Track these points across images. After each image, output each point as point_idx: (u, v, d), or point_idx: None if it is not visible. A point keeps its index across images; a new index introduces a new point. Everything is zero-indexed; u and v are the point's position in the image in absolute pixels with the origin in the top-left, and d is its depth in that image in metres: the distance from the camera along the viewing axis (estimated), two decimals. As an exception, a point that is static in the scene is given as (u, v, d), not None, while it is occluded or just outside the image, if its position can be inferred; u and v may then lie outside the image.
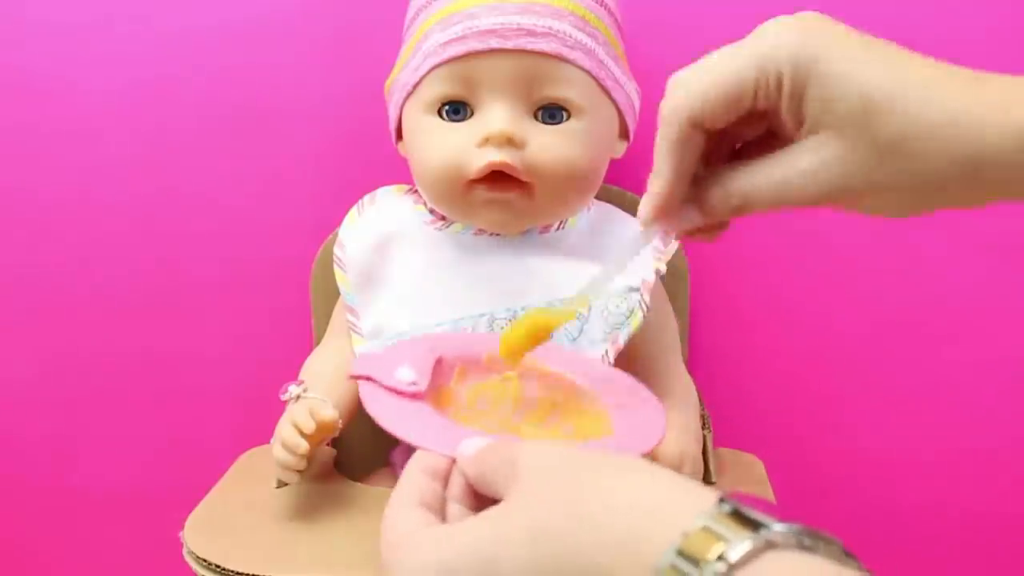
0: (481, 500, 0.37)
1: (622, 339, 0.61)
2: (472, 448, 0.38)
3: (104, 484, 0.87)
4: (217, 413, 0.85)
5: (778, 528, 0.28)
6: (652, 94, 0.69)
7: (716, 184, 0.41)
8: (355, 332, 0.65)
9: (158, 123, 0.80)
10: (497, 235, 0.64)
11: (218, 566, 0.53)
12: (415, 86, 0.62)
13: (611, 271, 0.48)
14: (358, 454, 0.71)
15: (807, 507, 0.82)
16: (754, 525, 0.28)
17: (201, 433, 0.85)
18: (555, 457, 0.34)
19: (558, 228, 0.65)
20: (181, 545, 0.56)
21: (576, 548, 0.29)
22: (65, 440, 0.86)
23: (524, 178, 0.59)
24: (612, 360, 0.61)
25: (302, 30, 0.79)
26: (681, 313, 0.73)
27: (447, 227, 0.65)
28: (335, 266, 0.66)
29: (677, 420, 0.63)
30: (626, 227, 0.68)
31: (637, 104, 0.67)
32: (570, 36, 0.60)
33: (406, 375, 0.47)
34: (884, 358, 0.81)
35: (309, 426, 0.56)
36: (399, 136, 0.67)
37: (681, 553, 0.27)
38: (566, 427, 0.49)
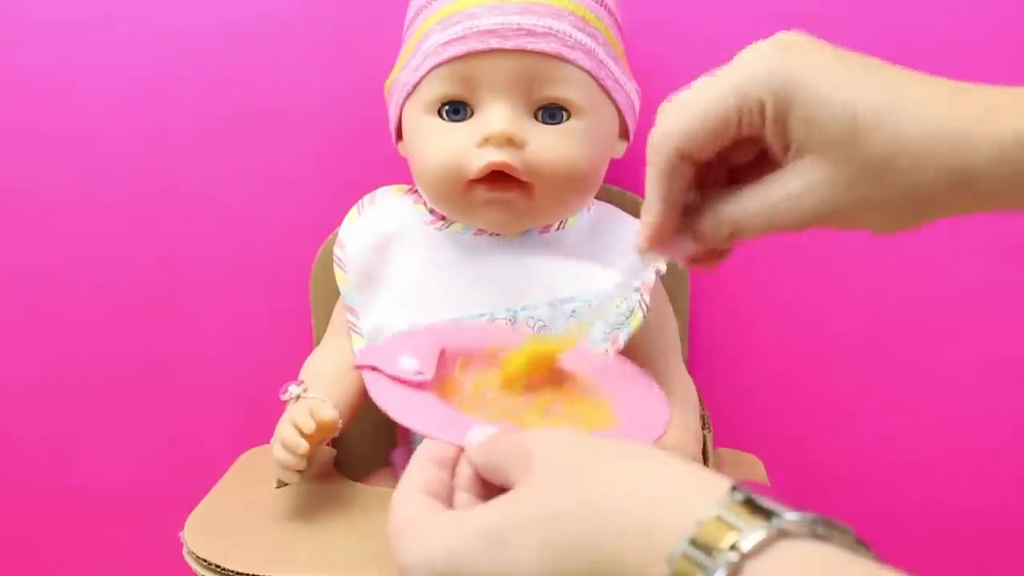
0: (489, 489, 0.37)
1: (622, 339, 0.61)
2: (480, 437, 0.38)
3: (104, 484, 0.87)
4: (217, 413, 0.85)
5: (791, 517, 0.28)
6: (652, 94, 0.69)
7: (708, 211, 0.41)
8: (355, 332, 0.65)
9: (158, 123, 0.80)
10: (497, 235, 0.64)
11: (218, 566, 0.53)
12: (415, 86, 0.62)
13: (611, 297, 0.49)
14: (358, 454, 0.71)
15: (807, 507, 0.82)
16: (767, 514, 0.28)
17: (201, 433, 0.85)
18: (567, 444, 0.34)
19: (558, 228, 0.65)
20: (181, 545, 0.56)
21: (588, 534, 0.30)
22: (65, 440, 0.86)
23: (524, 178, 0.59)
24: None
25: (302, 30, 0.79)
26: (681, 313, 0.73)
27: (447, 227, 0.65)
28: (335, 266, 0.66)
29: (677, 420, 0.62)
30: (626, 227, 0.68)
31: (637, 104, 0.67)
32: (570, 36, 0.60)
33: (410, 364, 0.47)
34: (884, 358, 0.81)
35: (309, 426, 0.56)
36: (399, 136, 0.67)
37: (694, 542, 0.27)
38: (569, 417, 0.49)
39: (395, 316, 0.63)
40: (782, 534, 0.27)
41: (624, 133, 0.67)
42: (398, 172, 0.69)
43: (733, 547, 0.27)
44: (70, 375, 0.85)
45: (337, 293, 0.67)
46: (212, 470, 0.67)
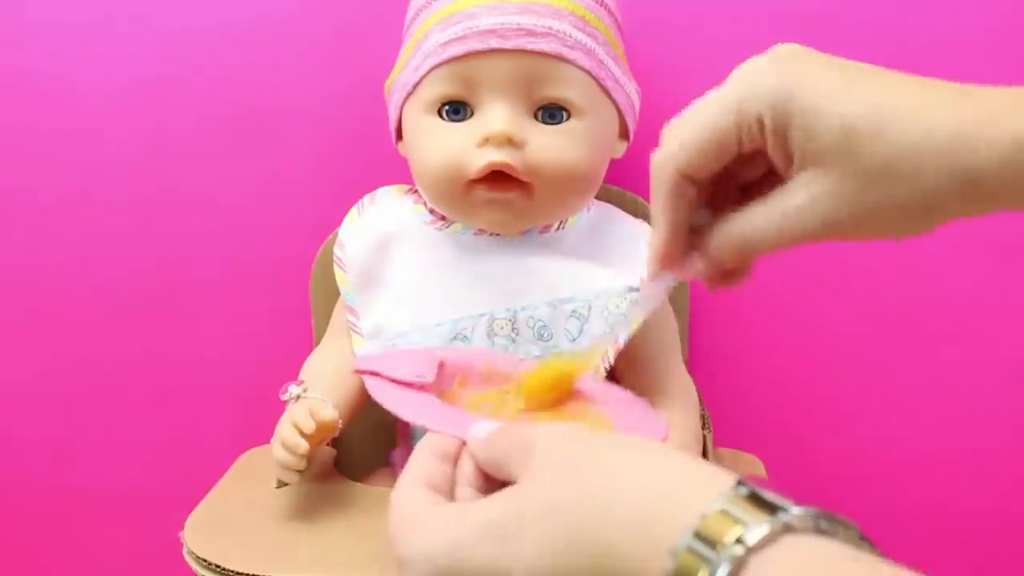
0: (491, 483, 0.37)
1: (622, 339, 0.61)
2: (483, 431, 0.38)
3: (104, 484, 0.87)
4: (217, 413, 0.85)
5: (796, 511, 0.28)
6: (652, 94, 0.69)
7: (716, 229, 0.41)
8: (355, 332, 0.65)
9: (158, 123, 0.80)
10: (497, 235, 0.64)
11: (218, 566, 0.53)
12: (415, 86, 0.62)
13: (629, 320, 0.48)
14: (358, 454, 0.71)
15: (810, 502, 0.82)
16: (771, 508, 0.28)
17: (201, 433, 0.85)
18: (568, 437, 0.34)
19: (558, 228, 0.65)
20: (181, 545, 0.56)
21: (589, 527, 0.30)
22: (65, 440, 0.86)
23: (524, 178, 0.59)
24: (612, 360, 0.60)
25: (302, 30, 0.79)
26: (681, 313, 0.73)
27: (447, 227, 0.65)
28: (335, 266, 0.66)
29: (677, 420, 0.63)
30: (626, 227, 0.68)
31: (637, 104, 0.67)
32: (570, 36, 0.60)
33: (410, 369, 0.47)
34: (884, 358, 0.81)
35: (309, 426, 0.56)
36: (399, 136, 0.67)
37: (698, 535, 0.27)
38: None
39: (395, 316, 0.63)
40: (787, 528, 0.27)
41: (624, 133, 0.67)
42: (398, 172, 0.69)
43: (738, 541, 0.27)
44: (70, 375, 0.85)
45: (337, 293, 0.67)
46: (212, 470, 0.67)
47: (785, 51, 0.38)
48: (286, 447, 0.56)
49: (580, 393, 0.52)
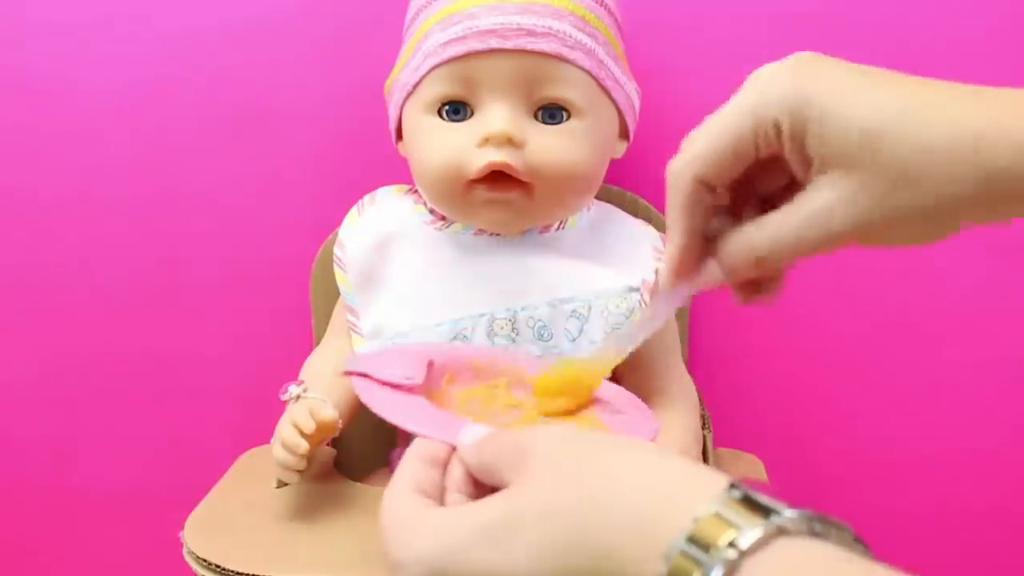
0: (480, 489, 0.37)
1: (628, 351, 0.61)
2: (473, 436, 0.38)
3: (104, 484, 0.87)
4: (217, 413, 0.85)
5: (789, 514, 0.28)
6: (652, 94, 0.69)
7: (731, 237, 0.40)
8: (355, 332, 0.65)
9: (158, 123, 0.80)
10: (497, 235, 0.64)
11: (218, 566, 0.53)
12: (415, 86, 0.62)
13: (636, 337, 0.48)
14: (358, 454, 0.71)
15: (807, 507, 0.82)
16: (765, 511, 0.28)
17: (201, 433, 0.85)
18: (566, 438, 0.34)
19: (558, 228, 0.66)
20: (181, 545, 0.56)
21: (588, 529, 0.30)
22: (65, 440, 0.86)
23: (524, 178, 0.59)
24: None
25: (302, 30, 0.79)
26: (681, 313, 0.73)
27: (447, 227, 0.66)
28: (335, 266, 0.66)
29: (677, 420, 0.63)
30: (625, 227, 0.68)
31: (637, 104, 0.67)
32: (570, 36, 0.60)
33: (398, 371, 0.47)
34: (884, 358, 0.81)
35: (309, 426, 0.56)
36: (399, 136, 0.67)
37: (692, 539, 0.27)
38: None
39: (395, 316, 0.63)
40: (780, 531, 0.27)
41: (624, 133, 0.67)
42: (398, 172, 0.69)
43: (731, 544, 0.27)
44: (70, 375, 0.85)
45: (337, 293, 0.67)
46: (212, 470, 0.67)
47: (802, 57, 0.38)
48: (286, 447, 0.56)
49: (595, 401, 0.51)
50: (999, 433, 0.81)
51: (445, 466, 0.39)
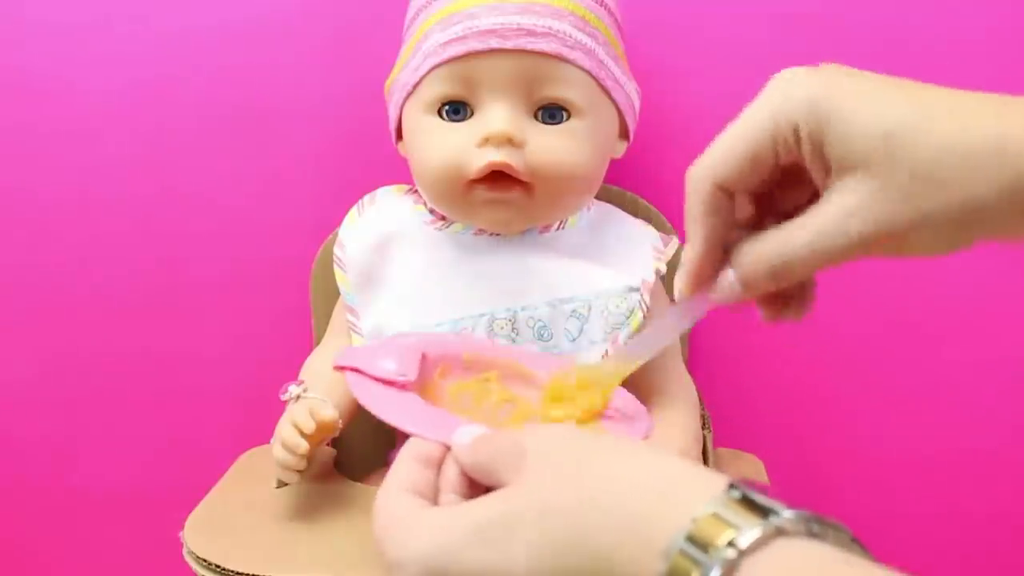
0: (475, 488, 0.37)
1: (622, 339, 0.61)
2: (467, 437, 0.38)
3: (104, 484, 0.87)
4: (217, 413, 0.85)
5: (787, 515, 0.28)
6: (652, 94, 0.69)
7: (747, 245, 0.39)
8: (355, 332, 0.65)
9: (158, 123, 0.80)
10: (497, 235, 0.64)
11: (218, 566, 0.53)
12: (415, 86, 0.62)
13: (657, 341, 0.47)
14: (358, 454, 0.71)
15: (806, 507, 0.82)
16: (763, 512, 0.28)
17: (201, 433, 0.85)
18: (569, 438, 0.34)
19: (558, 228, 0.66)
20: (181, 545, 0.56)
21: (587, 530, 0.30)
22: (65, 440, 0.86)
23: (524, 178, 0.59)
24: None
25: (302, 30, 0.79)
26: (681, 313, 0.73)
27: (447, 227, 0.66)
28: (335, 266, 0.66)
29: (677, 420, 0.63)
30: (625, 227, 0.68)
31: (637, 104, 0.67)
32: (570, 36, 0.60)
33: (391, 367, 0.47)
34: (884, 358, 0.81)
35: (309, 426, 0.56)
36: (399, 136, 0.67)
37: (690, 538, 0.28)
38: None
39: (395, 316, 0.63)
40: (778, 532, 0.28)
41: (624, 133, 0.67)
42: (398, 172, 0.69)
43: (730, 544, 0.27)
44: (70, 375, 0.85)
45: (337, 293, 0.67)
46: (212, 470, 0.67)
47: (821, 67, 0.37)
48: (286, 447, 0.56)
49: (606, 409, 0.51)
50: (999, 433, 0.81)
51: (439, 466, 0.38)
